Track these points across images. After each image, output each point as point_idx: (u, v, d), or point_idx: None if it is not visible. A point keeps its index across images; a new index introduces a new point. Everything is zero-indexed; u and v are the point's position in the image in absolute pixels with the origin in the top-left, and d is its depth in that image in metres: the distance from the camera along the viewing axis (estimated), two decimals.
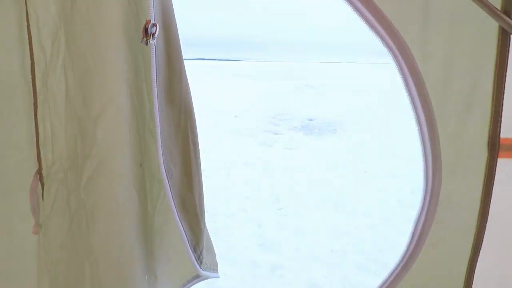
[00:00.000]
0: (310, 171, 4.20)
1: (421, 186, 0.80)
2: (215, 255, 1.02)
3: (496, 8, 0.61)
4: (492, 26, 0.68)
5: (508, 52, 0.68)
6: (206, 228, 0.98)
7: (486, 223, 0.76)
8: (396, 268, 0.86)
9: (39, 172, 0.78)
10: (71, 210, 0.82)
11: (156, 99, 0.71)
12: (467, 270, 0.82)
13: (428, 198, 0.78)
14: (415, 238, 0.81)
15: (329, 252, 2.49)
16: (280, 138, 5.75)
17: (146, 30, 0.65)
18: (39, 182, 0.78)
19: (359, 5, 0.65)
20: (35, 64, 0.73)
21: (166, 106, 0.81)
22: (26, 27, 0.70)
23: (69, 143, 0.78)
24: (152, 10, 0.66)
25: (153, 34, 0.66)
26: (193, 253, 0.86)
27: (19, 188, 0.77)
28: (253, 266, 2.31)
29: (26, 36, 0.71)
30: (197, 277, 0.96)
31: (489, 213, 0.76)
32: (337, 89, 15.42)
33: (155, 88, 0.71)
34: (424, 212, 0.79)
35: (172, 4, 0.78)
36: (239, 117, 7.75)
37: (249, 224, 2.88)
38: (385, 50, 0.70)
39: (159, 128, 0.73)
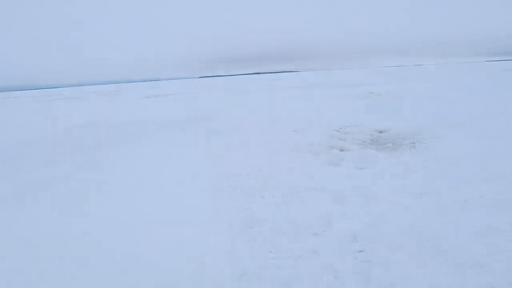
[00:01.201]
0: (391, 197, 3.43)
1: None
2: None
3: None
4: None
5: None
6: None
7: None
8: None
9: None
10: None
11: None
12: None
13: None
14: None
15: None
16: (349, 156, 5.03)
17: None
18: None
19: None
20: None
21: None
22: None
23: None
24: None
25: None
26: None
27: None
28: None
29: None
30: None
31: None
32: (406, 96, 13.83)
33: None
34: None
35: None
36: (298, 131, 7.21)
37: (322, 273, 2.30)
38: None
39: None
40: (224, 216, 3.22)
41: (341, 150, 5.44)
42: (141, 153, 5.99)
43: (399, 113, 8.96)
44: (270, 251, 2.61)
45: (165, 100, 20.00)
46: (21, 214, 3.58)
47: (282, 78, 58.88)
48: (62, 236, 3.00)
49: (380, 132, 6.78)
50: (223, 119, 9.86)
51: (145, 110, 14.41)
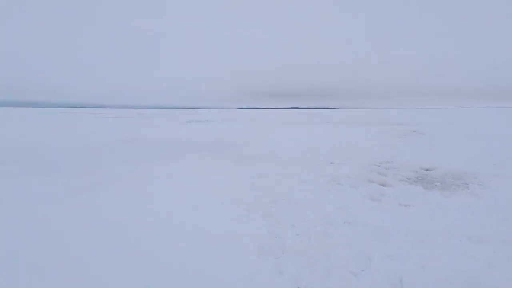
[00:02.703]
0: (444, 239, 2.97)
1: None
2: None
3: None
4: None
5: None
6: None
7: None
8: None
9: None
10: None
11: None
12: None
13: None
14: None
15: None
16: (391, 191, 4.60)
17: None
18: None
19: None
20: None
21: None
22: None
23: None
24: None
25: None
26: None
27: None
28: None
29: None
30: None
31: None
32: (451, 135, 12.88)
33: None
34: None
35: None
36: (335, 164, 6.89)
37: None
38: None
39: None
40: (251, 242, 3.00)
41: (382, 185, 5.02)
42: (176, 171, 6.05)
43: (446, 152, 8.26)
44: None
45: (205, 126, 20.71)
46: (92, 202, 3.67)
47: (319, 114, 58.76)
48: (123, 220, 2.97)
49: (427, 170, 6.21)
50: (258, 147, 9.83)
51: (185, 133, 14.95)
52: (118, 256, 2.71)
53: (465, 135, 12.71)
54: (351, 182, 5.23)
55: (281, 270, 2.53)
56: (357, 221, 3.46)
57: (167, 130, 17.36)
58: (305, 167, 6.51)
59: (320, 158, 7.54)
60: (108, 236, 3.11)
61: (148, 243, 2.97)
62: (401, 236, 3.08)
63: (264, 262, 2.65)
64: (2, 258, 2.68)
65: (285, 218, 3.58)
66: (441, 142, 10.46)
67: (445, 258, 2.63)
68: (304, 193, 4.59)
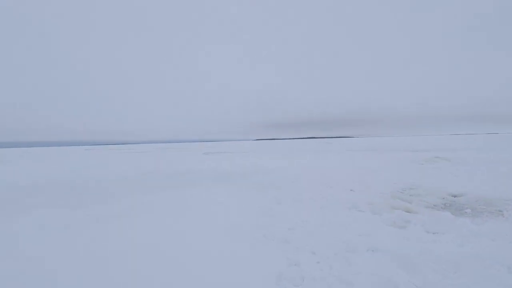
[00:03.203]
0: (479, 268, 2.73)
1: None
2: None
3: None
4: None
5: None
6: None
7: None
8: None
9: None
10: None
11: None
12: None
13: None
14: None
15: None
16: (416, 218, 4.35)
17: None
18: None
19: None
20: None
21: None
22: None
23: None
24: None
25: None
26: None
27: None
28: None
29: None
30: None
31: None
32: (478, 161, 12.27)
33: None
34: None
35: None
36: (355, 191, 6.67)
37: None
38: None
39: None
40: (269, 269, 2.88)
41: (407, 212, 4.78)
42: (192, 199, 6.05)
43: (473, 178, 7.83)
44: None
45: (222, 157, 20.92)
46: (112, 229, 3.71)
47: (337, 142, 58.18)
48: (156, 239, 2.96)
49: (454, 196, 5.88)
50: (275, 175, 9.75)
51: (203, 164, 15.13)
52: (136, 280, 2.67)
53: (492, 161, 12.08)
54: (373, 209, 5.01)
55: None
56: (381, 249, 3.26)
57: (184, 162, 17.67)
58: (323, 194, 6.34)
59: (339, 185, 7.35)
60: (125, 262, 3.09)
61: (166, 271, 2.92)
62: (430, 265, 2.86)
63: None
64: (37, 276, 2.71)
65: (304, 245, 3.44)
66: (468, 168, 9.96)
67: None
68: (323, 220, 4.43)
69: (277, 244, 3.52)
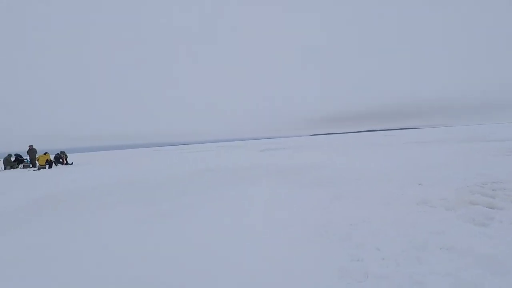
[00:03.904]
0: None
1: None
2: None
3: None
4: None
5: None
6: None
7: None
8: None
9: None
10: None
11: None
12: None
13: None
14: None
15: None
16: (502, 214, 3.81)
17: None
18: None
19: None
20: None
21: None
22: None
23: None
24: None
25: None
26: None
27: None
28: None
29: None
30: None
31: None
32: None
33: None
34: None
35: None
36: (424, 185, 6.11)
37: None
38: None
39: None
40: (330, 264, 2.83)
41: (490, 207, 4.21)
42: (249, 195, 6.24)
43: None
44: None
45: (277, 154, 21.05)
46: (177, 224, 4.14)
47: (401, 134, 53.82)
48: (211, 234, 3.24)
49: None
50: (333, 170, 9.46)
51: (259, 160, 15.44)
52: (198, 272, 2.88)
53: None
54: (446, 204, 4.54)
55: None
56: (457, 248, 2.95)
57: (241, 159, 18.20)
58: (388, 189, 5.95)
59: (405, 180, 6.81)
60: (187, 253, 3.35)
61: (223, 265, 3.08)
62: None
63: (346, 285, 2.45)
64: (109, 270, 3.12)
65: (367, 241, 3.29)
66: None
67: None
68: (388, 216, 4.17)
69: (338, 240, 3.43)
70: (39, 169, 20.08)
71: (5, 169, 21.87)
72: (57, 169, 20.01)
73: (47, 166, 20.61)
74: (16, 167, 22.23)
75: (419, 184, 6.20)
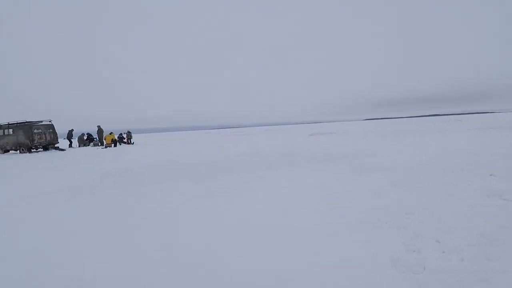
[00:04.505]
0: None
1: None
2: None
3: None
4: None
5: None
6: None
7: None
8: None
9: None
10: None
11: None
12: None
13: None
14: None
15: None
16: None
17: None
18: None
19: None
20: None
21: None
22: None
23: None
24: None
25: None
26: None
27: None
28: None
29: None
30: None
31: None
32: None
33: None
34: None
35: None
36: (496, 176, 5.42)
37: None
38: None
39: None
40: (383, 252, 2.68)
41: None
42: (296, 180, 6.18)
43: None
44: None
45: (327, 138, 20.45)
46: (223, 202, 4.37)
47: (468, 120, 48.16)
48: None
49: None
50: (386, 157, 8.88)
51: (306, 144, 15.17)
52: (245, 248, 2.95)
53: None
54: None
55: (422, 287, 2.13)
56: None
57: (290, 143, 18.05)
58: (450, 179, 5.40)
59: (471, 169, 6.10)
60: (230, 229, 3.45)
61: (270, 246, 3.11)
62: None
63: (400, 274, 2.30)
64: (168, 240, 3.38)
65: (425, 232, 3.04)
66: None
67: None
68: (452, 207, 3.79)
69: (392, 228, 3.23)
70: (106, 147, 22.43)
71: (79, 146, 25.09)
72: (121, 147, 22.13)
73: (112, 144, 22.90)
74: (88, 145, 25.22)
75: (491, 175, 5.50)
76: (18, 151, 20.76)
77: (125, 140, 25.90)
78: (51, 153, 19.61)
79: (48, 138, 21.27)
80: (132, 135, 27.37)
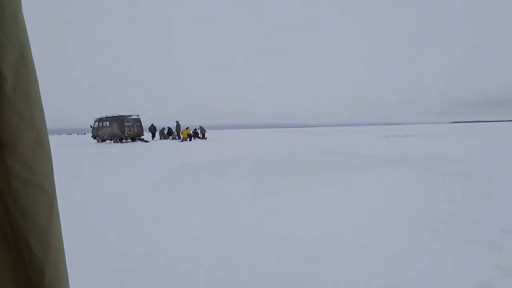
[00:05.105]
0: None
1: None
2: None
3: None
4: None
5: None
6: None
7: None
8: None
9: None
10: None
11: None
12: None
13: None
14: None
15: None
16: None
17: None
18: None
19: None
20: None
21: None
22: None
23: None
24: None
25: None
26: None
27: None
28: None
29: None
30: None
31: None
32: None
33: None
34: None
35: None
36: None
37: None
38: None
39: None
40: (474, 274, 2.28)
41: None
42: (372, 184, 5.75)
43: None
44: None
45: (401, 140, 18.63)
46: (286, 200, 4.40)
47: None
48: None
49: None
50: (474, 164, 7.62)
51: (378, 147, 14.05)
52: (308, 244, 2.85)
53: None
54: None
55: None
56: None
57: (361, 144, 17.00)
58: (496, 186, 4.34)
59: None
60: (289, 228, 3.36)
61: (332, 249, 2.94)
62: None
63: None
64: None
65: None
66: None
67: None
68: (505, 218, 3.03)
69: (485, 247, 2.73)
70: (182, 141, 24.62)
71: (160, 139, 28.27)
72: (195, 142, 23.98)
73: (188, 139, 24.98)
74: (167, 138, 28.17)
75: None
76: (112, 140, 24.34)
77: (200, 136, 28.00)
78: (137, 144, 22.42)
79: (136, 131, 24.45)
80: (206, 130, 29.39)
